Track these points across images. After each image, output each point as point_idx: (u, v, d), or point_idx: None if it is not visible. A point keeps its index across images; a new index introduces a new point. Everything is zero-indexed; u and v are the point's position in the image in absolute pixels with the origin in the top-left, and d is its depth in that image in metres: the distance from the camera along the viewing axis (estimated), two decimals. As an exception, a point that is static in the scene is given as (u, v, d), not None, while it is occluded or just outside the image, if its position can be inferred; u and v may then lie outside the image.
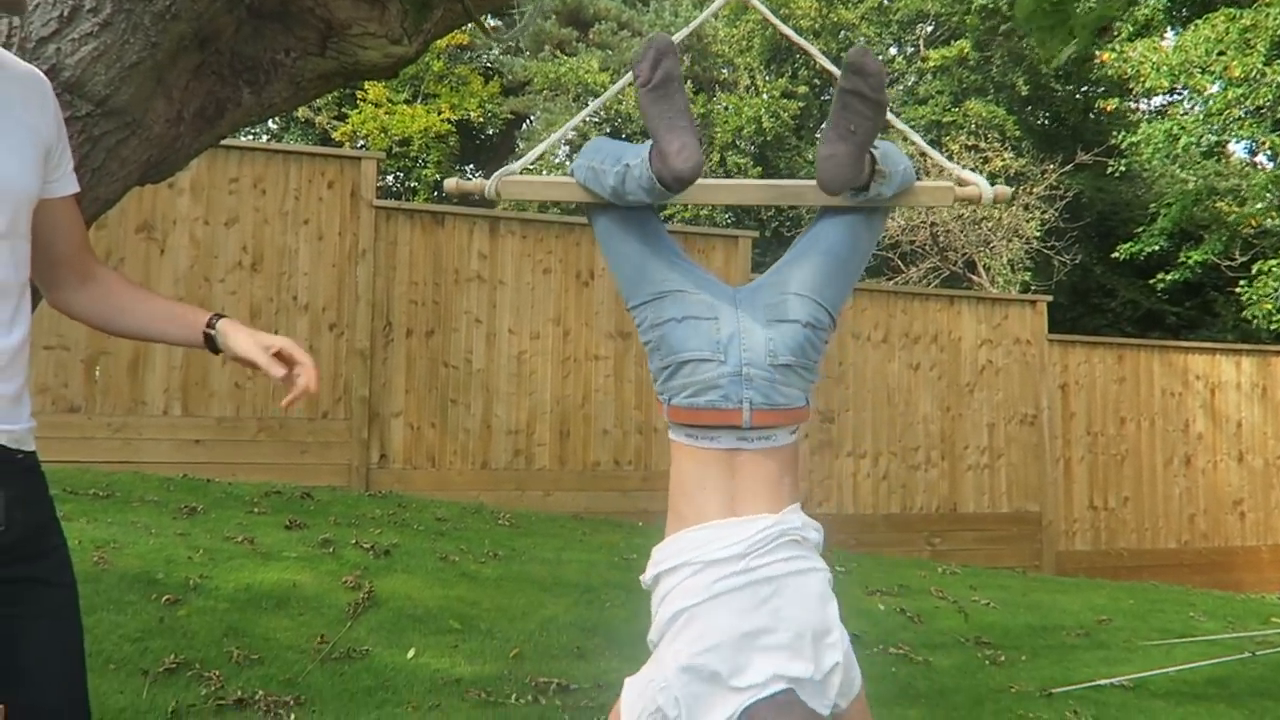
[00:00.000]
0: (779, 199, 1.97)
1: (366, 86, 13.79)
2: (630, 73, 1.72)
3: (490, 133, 17.12)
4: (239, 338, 1.57)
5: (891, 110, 1.85)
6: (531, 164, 2.14)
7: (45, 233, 1.48)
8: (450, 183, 1.97)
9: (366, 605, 4.04)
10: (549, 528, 6.13)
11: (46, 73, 1.65)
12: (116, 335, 1.68)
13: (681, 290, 1.72)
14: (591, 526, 6.31)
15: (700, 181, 1.71)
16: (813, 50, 2.11)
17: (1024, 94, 15.06)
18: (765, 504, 1.65)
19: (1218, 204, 12.34)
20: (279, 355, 1.55)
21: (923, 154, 1.89)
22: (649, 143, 1.66)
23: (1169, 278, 12.50)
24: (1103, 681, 4.37)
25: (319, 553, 4.61)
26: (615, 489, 6.96)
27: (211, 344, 1.59)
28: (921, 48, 16.38)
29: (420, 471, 6.55)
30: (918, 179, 1.79)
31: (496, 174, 1.91)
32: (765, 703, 1.53)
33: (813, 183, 1.77)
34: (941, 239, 12.95)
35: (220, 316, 1.60)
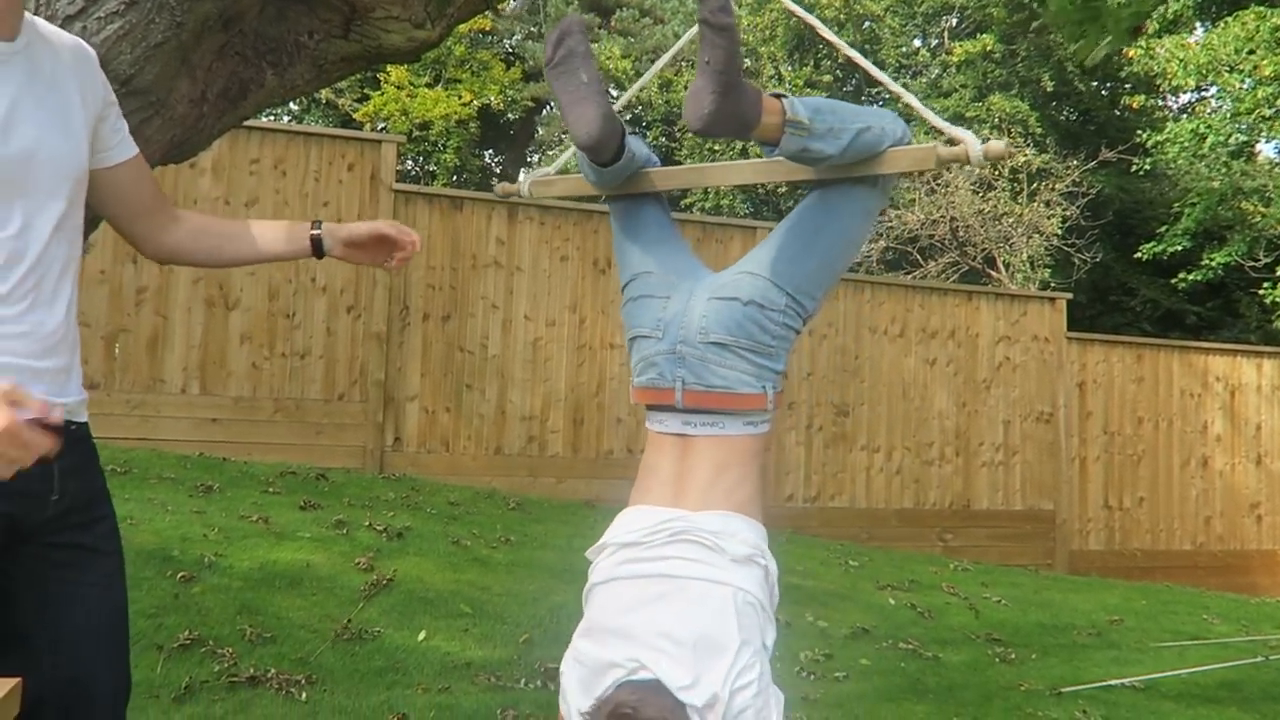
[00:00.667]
0: (754, 176, 1.92)
1: (389, 69, 13.80)
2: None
3: (511, 118, 17.11)
4: (342, 231, 1.71)
5: (910, 105, 1.80)
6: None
7: (128, 193, 1.56)
8: (500, 187, 2.12)
9: (379, 587, 4.07)
10: (561, 514, 6.15)
11: (72, 51, 1.66)
12: (224, 265, 1.79)
13: (650, 271, 1.75)
14: (603, 514, 6.30)
15: (672, 168, 1.85)
16: (831, 35, 2.07)
17: (1049, 89, 14.92)
18: (698, 496, 1.58)
19: (1243, 204, 12.20)
20: (383, 237, 1.72)
21: (935, 128, 1.79)
22: None
23: (1190, 277, 12.37)
24: (1113, 682, 4.36)
25: (333, 534, 4.65)
26: (627, 477, 6.88)
27: (318, 247, 1.70)
28: (946, 40, 16.24)
29: (434, 455, 6.58)
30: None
31: (530, 176, 2.01)
32: (629, 685, 1.42)
33: (777, 160, 1.73)
34: (961, 234, 12.86)
35: (320, 223, 1.72)
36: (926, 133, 10.16)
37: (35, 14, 1.64)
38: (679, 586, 1.50)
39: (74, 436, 1.42)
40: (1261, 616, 6.81)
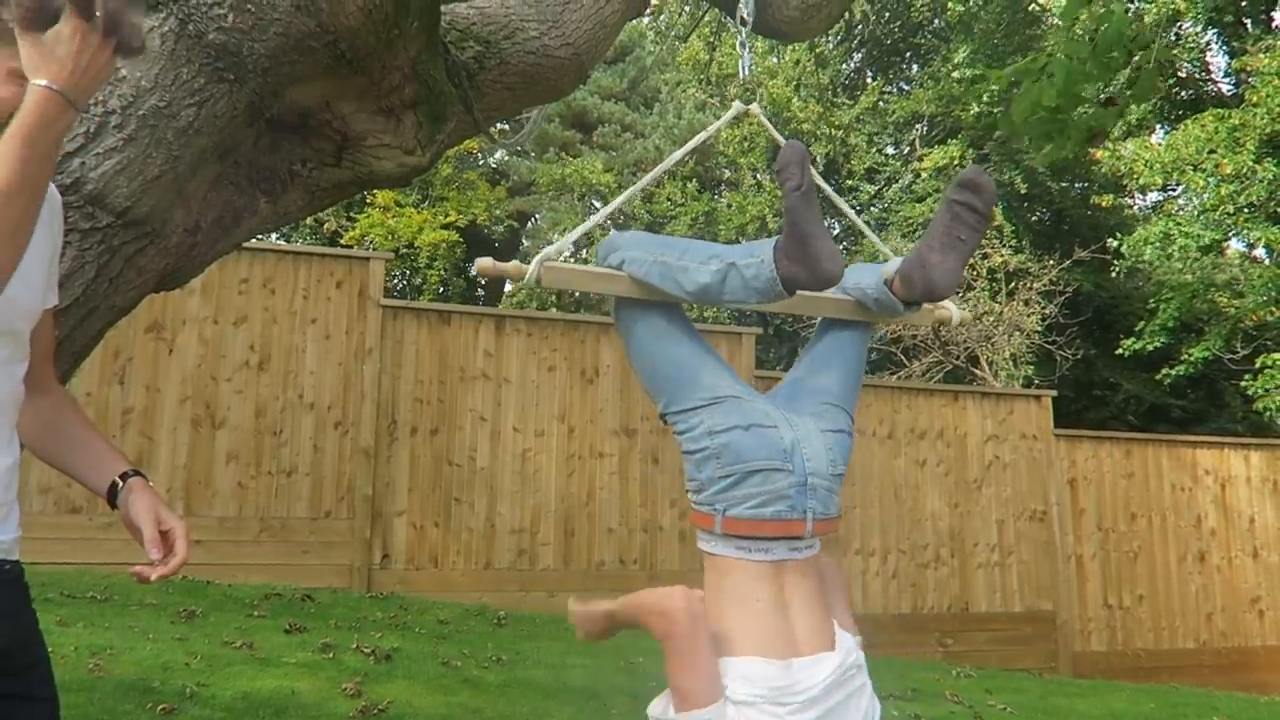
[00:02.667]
0: (834, 311, 1.93)
1: (375, 191, 14.03)
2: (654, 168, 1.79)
3: (497, 229, 17.41)
4: (141, 502, 1.45)
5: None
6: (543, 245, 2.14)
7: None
8: (484, 262, 1.79)
9: (367, 714, 3.93)
10: (552, 630, 6.00)
11: (70, 186, 1.69)
12: (42, 458, 1.53)
13: (738, 396, 1.68)
14: (597, 628, 6.17)
15: None
16: (834, 195, 2.29)
17: (1021, 191, 15.33)
18: (816, 619, 1.66)
19: (1216, 297, 12.43)
20: (165, 535, 1.43)
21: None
22: (763, 243, 1.65)
23: (1173, 373, 12.49)
24: (1128, 792, 4.21)
25: (319, 658, 4.51)
26: (620, 589, 6.80)
27: (113, 496, 1.47)
28: (918, 146, 16.74)
29: (423, 572, 6.45)
30: None
31: (539, 258, 1.77)
32: None
33: (829, 295, 1.86)
34: (943, 334, 13.02)
35: (138, 474, 1.49)
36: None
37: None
38: (847, 706, 1.63)
39: (7, 577, 1.36)
40: (1273, 716, 6.65)
